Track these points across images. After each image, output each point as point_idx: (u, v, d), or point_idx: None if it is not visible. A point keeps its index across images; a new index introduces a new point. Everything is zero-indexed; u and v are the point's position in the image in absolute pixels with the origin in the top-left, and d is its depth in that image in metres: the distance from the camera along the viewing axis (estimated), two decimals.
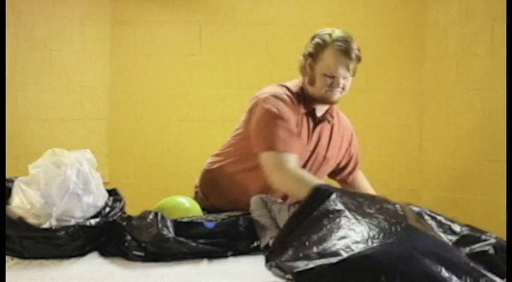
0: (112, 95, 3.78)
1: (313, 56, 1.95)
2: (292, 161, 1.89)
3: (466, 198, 3.56)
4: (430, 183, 3.69)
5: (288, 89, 2.02)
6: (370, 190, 2.22)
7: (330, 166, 2.13)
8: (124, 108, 3.79)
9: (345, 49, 1.88)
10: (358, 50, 1.93)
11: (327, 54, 1.91)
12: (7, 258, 1.58)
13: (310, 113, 2.01)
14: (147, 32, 3.77)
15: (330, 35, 1.92)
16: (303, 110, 1.99)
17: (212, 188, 2.14)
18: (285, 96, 1.97)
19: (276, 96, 1.96)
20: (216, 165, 2.14)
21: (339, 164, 2.21)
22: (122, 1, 3.76)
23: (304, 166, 2.01)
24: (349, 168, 2.25)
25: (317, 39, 1.95)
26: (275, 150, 1.88)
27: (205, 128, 3.65)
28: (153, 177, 3.76)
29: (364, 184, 2.27)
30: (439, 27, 3.69)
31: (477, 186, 3.53)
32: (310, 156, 2.03)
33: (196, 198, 2.16)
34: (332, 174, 2.25)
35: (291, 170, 1.86)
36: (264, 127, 1.93)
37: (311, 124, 2.01)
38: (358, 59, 1.94)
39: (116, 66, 3.78)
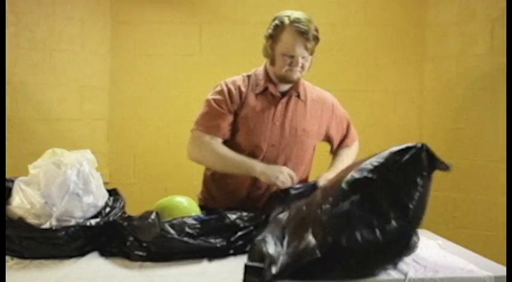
0: (112, 95, 3.78)
1: (273, 37, 2.04)
2: (214, 141, 2.06)
3: (466, 198, 3.56)
4: None
5: (245, 75, 2.16)
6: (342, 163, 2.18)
7: (314, 138, 2.17)
8: (124, 108, 3.79)
9: (302, 30, 1.97)
10: (316, 30, 2.01)
11: (286, 34, 2.00)
12: (7, 258, 1.59)
13: (263, 92, 2.10)
14: (147, 32, 3.77)
15: (288, 16, 2.01)
16: (256, 91, 2.10)
17: (212, 185, 2.19)
18: (231, 86, 2.10)
19: (222, 86, 2.11)
20: None
21: (330, 136, 2.25)
22: (122, 1, 3.76)
23: (279, 140, 2.09)
24: (336, 141, 2.29)
25: (276, 21, 2.04)
26: (203, 131, 2.08)
27: None
28: (153, 177, 3.76)
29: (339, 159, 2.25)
30: (439, 27, 3.70)
31: (477, 186, 3.53)
32: (282, 130, 2.09)
33: (200, 201, 2.20)
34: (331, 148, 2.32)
35: (208, 145, 2.06)
36: (204, 110, 2.12)
37: (270, 101, 2.10)
38: (316, 39, 2.02)
39: (116, 66, 3.78)
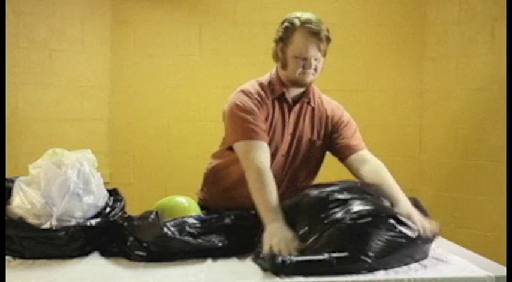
0: (112, 95, 3.78)
1: (284, 39, 1.97)
2: (260, 147, 1.90)
3: (466, 198, 3.56)
4: (430, 183, 3.68)
5: (259, 82, 2.06)
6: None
7: (319, 147, 2.08)
8: (124, 108, 3.79)
9: (314, 30, 1.90)
10: (327, 31, 1.95)
11: (297, 36, 1.93)
12: (9, 258, 1.59)
13: (279, 98, 2.02)
14: (147, 32, 3.77)
15: (298, 18, 1.94)
16: (272, 97, 2.02)
17: (213, 187, 2.16)
18: (251, 90, 2.00)
19: (242, 91, 2.00)
20: (212, 165, 2.16)
21: (336, 144, 2.11)
22: (122, 1, 3.76)
23: (289, 150, 2.02)
24: (345, 151, 2.11)
25: (286, 23, 1.97)
26: (243, 139, 1.91)
27: (205, 128, 3.64)
28: (153, 177, 3.76)
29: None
30: (439, 27, 3.69)
31: (477, 186, 3.53)
32: (292, 140, 2.03)
33: (200, 201, 2.16)
34: (341, 159, 2.15)
35: (256, 159, 1.87)
36: (232, 120, 1.98)
37: (285, 108, 2.03)
38: (328, 39, 1.95)
39: (116, 66, 3.78)
